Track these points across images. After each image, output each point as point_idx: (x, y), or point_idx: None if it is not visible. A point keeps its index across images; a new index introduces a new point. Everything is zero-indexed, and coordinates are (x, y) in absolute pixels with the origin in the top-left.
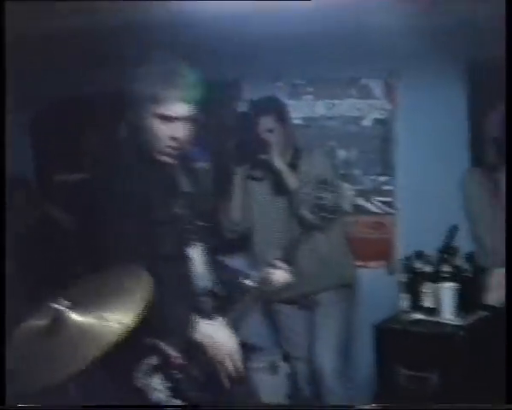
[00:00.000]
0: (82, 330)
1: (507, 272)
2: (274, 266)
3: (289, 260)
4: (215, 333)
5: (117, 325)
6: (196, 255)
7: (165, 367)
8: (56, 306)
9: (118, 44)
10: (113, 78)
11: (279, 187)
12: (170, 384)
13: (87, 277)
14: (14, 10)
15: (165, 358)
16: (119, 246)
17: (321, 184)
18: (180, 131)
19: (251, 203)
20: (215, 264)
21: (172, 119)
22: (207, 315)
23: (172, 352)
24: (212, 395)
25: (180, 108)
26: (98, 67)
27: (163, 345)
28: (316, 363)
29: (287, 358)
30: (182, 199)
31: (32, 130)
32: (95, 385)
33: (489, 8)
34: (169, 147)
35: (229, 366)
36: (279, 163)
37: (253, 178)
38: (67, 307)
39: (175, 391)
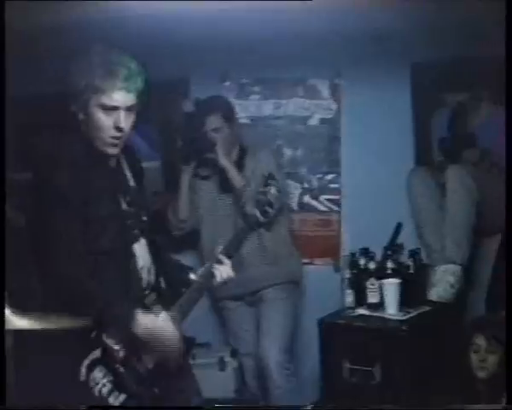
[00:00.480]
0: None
1: (507, 272)
2: (218, 261)
3: (233, 255)
4: (157, 326)
5: None
6: (140, 250)
7: (107, 361)
8: None
9: (60, 41)
10: (56, 73)
11: (225, 185)
12: (112, 378)
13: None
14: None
15: (107, 351)
16: (62, 243)
17: (267, 180)
18: (122, 120)
19: (198, 201)
20: (160, 258)
21: (114, 108)
22: (150, 309)
23: (114, 345)
24: (156, 389)
25: (122, 97)
26: (39, 63)
27: (105, 338)
28: (262, 358)
29: (234, 354)
30: (127, 194)
31: None
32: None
33: (435, 8)
34: (113, 137)
35: (171, 359)
36: (225, 161)
37: (201, 177)
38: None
39: (117, 385)
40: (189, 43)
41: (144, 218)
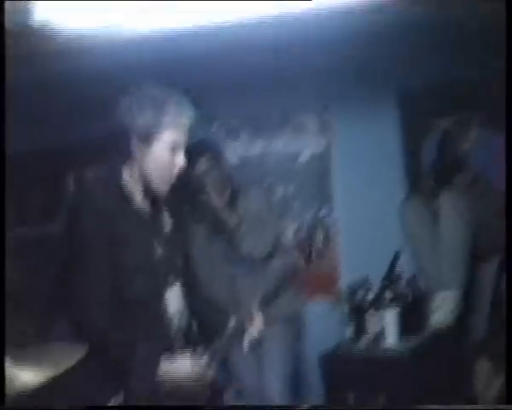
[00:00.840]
0: None
1: (507, 271)
2: (251, 317)
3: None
4: (182, 372)
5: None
6: (174, 296)
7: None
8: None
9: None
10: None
11: (218, 226)
12: None
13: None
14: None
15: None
16: (90, 289)
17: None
18: (182, 159)
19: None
20: (194, 303)
21: (178, 146)
22: (179, 354)
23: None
24: None
25: (184, 135)
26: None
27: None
28: (266, 391)
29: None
30: (163, 239)
31: None
32: None
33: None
34: (172, 176)
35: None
36: (217, 202)
37: (194, 220)
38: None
39: None
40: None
41: (179, 263)
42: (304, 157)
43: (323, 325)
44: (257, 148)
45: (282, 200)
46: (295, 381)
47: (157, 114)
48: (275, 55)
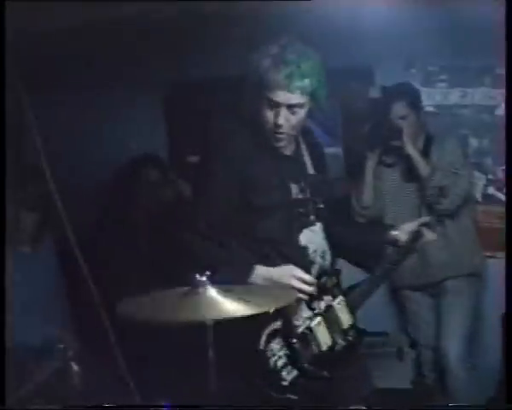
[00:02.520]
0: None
1: (507, 271)
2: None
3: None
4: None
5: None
6: (314, 236)
7: (286, 333)
8: (198, 277)
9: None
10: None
11: (410, 174)
12: (288, 352)
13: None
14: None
15: (286, 324)
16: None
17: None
18: (281, 117)
19: (382, 189)
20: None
21: (276, 104)
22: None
23: (295, 320)
24: (325, 371)
25: (282, 95)
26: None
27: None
28: (442, 351)
29: (414, 345)
30: (302, 181)
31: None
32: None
33: None
34: (274, 132)
35: None
36: (411, 150)
37: (385, 164)
38: (208, 279)
39: (292, 360)
40: (376, 30)
41: (321, 205)
42: (500, 111)
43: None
44: (453, 97)
45: (476, 153)
46: (473, 338)
47: (264, 70)
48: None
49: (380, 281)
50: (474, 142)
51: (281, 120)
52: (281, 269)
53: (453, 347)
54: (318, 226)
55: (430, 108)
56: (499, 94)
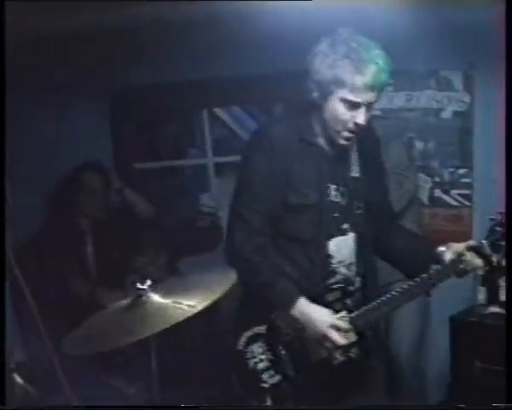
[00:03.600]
0: (157, 307)
1: (507, 271)
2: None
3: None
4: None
5: (187, 308)
6: (343, 245)
7: (271, 339)
8: (139, 285)
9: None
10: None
11: None
12: (271, 357)
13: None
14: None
15: (273, 330)
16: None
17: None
18: (362, 117)
19: None
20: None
21: (357, 104)
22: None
23: (284, 328)
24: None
25: (366, 95)
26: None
27: (275, 318)
28: (392, 353)
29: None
30: (344, 185)
31: (114, 118)
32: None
33: None
34: (349, 131)
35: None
36: None
37: None
38: (149, 287)
39: (275, 365)
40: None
41: (358, 211)
42: (446, 114)
43: (454, 287)
44: (399, 101)
45: (422, 155)
46: (421, 341)
47: (340, 71)
48: (423, 11)
49: (412, 296)
50: (419, 145)
51: (361, 120)
52: (320, 312)
53: (403, 350)
54: (351, 236)
55: (376, 112)
56: (445, 97)
